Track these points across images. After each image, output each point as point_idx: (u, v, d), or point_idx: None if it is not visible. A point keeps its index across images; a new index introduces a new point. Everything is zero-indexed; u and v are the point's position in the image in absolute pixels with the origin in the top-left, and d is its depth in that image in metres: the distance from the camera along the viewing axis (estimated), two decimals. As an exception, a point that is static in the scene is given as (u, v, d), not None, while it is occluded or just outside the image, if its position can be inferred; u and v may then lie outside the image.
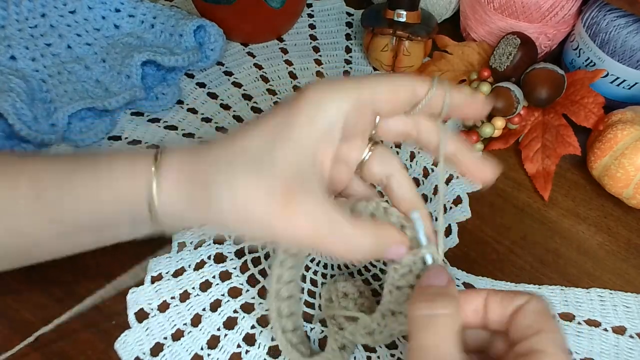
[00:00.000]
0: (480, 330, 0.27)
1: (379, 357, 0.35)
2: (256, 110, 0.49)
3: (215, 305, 0.37)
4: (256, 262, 0.39)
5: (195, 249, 0.39)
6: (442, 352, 0.23)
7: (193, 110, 0.48)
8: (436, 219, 0.29)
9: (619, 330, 0.37)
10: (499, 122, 0.45)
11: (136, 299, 0.36)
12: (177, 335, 0.35)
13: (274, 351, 0.35)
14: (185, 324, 0.36)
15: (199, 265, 0.38)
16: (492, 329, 0.26)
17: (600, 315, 0.37)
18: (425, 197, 0.43)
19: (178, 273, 0.38)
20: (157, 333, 0.35)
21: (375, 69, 0.52)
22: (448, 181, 0.44)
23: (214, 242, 0.39)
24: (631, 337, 0.36)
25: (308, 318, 0.36)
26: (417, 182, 0.44)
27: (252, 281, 0.38)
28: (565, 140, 0.45)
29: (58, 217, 0.28)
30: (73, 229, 0.28)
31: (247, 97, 0.50)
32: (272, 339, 0.35)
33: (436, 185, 0.44)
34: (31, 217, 0.28)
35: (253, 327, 0.36)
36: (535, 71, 0.45)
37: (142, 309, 0.36)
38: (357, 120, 0.27)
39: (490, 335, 0.27)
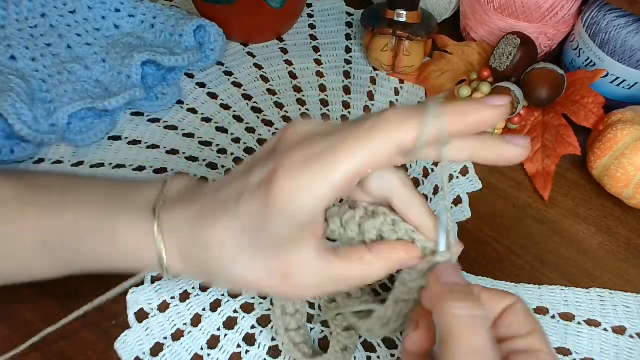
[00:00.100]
0: None
1: (379, 357, 0.35)
2: (256, 110, 0.49)
3: (215, 305, 0.37)
4: (256, 262, 0.39)
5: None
6: (488, 354, 0.23)
7: (193, 110, 0.48)
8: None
9: (619, 330, 0.37)
10: (499, 122, 0.45)
11: (136, 299, 0.36)
12: (177, 335, 0.35)
13: (274, 351, 0.35)
14: (185, 324, 0.36)
15: (199, 265, 0.38)
16: None
17: (600, 315, 0.37)
18: (425, 197, 0.43)
19: (178, 273, 0.38)
20: (157, 333, 0.35)
21: (375, 69, 0.52)
22: (448, 181, 0.44)
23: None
24: (631, 337, 0.36)
25: (308, 318, 0.36)
26: (417, 182, 0.44)
27: (252, 281, 0.38)
28: (565, 140, 0.45)
29: (66, 270, 0.31)
30: (80, 271, 0.31)
31: (247, 97, 0.50)
32: (272, 339, 0.35)
33: (436, 185, 0.44)
34: (37, 261, 0.30)
35: (253, 327, 0.36)
36: (535, 71, 0.45)
37: (142, 309, 0.36)
38: (339, 194, 0.25)
39: None
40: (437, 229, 0.28)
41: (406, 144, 0.23)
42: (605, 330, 0.37)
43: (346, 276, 0.27)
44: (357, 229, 0.28)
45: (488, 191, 0.44)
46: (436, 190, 0.44)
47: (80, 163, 0.44)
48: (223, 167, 0.45)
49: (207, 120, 0.48)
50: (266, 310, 0.36)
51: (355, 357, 0.35)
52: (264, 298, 0.37)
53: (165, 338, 0.35)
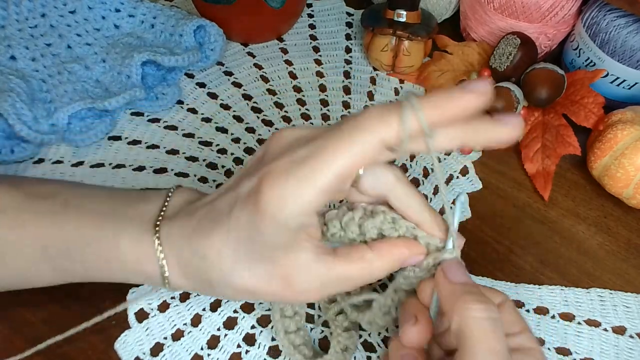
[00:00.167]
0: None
1: (379, 357, 0.35)
2: (256, 110, 0.49)
3: (215, 305, 0.37)
4: (256, 262, 0.39)
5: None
6: (507, 357, 0.23)
7: (193, 110, 0.48)
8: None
9: (619, 330, 0.37)
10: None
11: (136, 299, 0.36)
12: (177, 335, 0.35)
13: (274, 351, 0.35)
14: (185, 324, 0.36)
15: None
16: None
17: (600, 315, 0.37)
18: (425, 197, 0.43)
19: (178, 273, 0.38)
20: (157, 333, 0.35)
21: (375, 69, 0.52)
22: (448, 181, 0.44)
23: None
24: (631, 337, 0.36)
25: (308, 318, 0.36)
26: (416, 182, 0.44)
27: (252, 281, 0.38)
28: (565, 140, 0.45)
29: (66, 278, 0.31)
30: (80, 280, 0.31)
31: (247, 97, 0.50)
32: (272, 339, 0.35)
33: (436, 185, 0.44)
34: (37, 269, 0.30)
35: (253, 327, 0.36)
36: (535, 71, 0.45)
37: (142, 309, 0.36)
38: (329, 196, 0.25)
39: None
40: (438, 224, 0.28)
41: (390, 139, 0.24)
42: (605, 330, 0.37)
43: (347, 276, 0.27)
44: (357, 229, 0.28)
45: (488, 191, 0.44)
46: (436, 190, 0.44)
47: (80, 163, 0.44)
48: (223, 167, 0.45)
49: (207, 120, 0.48)
50: (266, 310, 0.36)
51: (355, 357, 0.35)
52: (264, 298, 0.37)
53: (165, 338, 0.35)
